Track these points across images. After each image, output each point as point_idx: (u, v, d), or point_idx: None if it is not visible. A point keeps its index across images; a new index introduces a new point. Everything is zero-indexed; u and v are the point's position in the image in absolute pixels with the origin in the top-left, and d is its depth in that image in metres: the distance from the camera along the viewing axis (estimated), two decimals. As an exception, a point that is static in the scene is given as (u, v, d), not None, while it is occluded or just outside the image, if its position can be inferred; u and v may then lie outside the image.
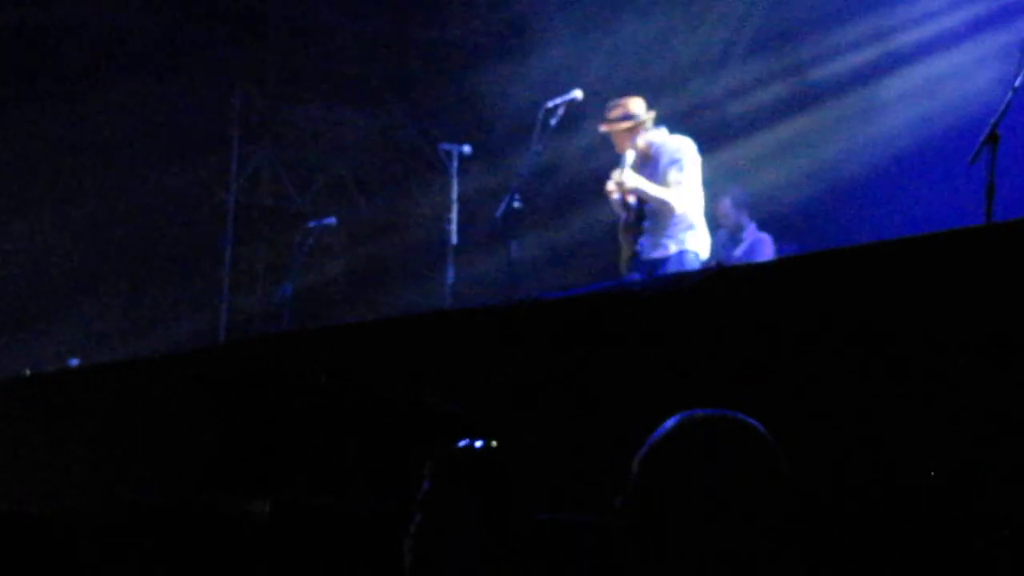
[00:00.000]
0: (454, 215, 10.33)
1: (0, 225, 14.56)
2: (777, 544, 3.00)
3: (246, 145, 14.97)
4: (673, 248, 9.33)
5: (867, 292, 4.78)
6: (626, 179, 9.36)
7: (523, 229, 10.16)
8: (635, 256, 9.44)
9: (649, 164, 9.47)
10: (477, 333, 6.29)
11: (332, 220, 12.37)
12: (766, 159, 11.70)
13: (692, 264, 9.27)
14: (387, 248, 15.18)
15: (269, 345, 8.11)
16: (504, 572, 3.59)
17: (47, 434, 8.47)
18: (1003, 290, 4.38)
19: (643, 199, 9.38)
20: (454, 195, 10.36)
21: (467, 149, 10.43)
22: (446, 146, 10.57)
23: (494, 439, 3.71)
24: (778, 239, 11.01)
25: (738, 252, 10.71)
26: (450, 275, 10.27)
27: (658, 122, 9.58)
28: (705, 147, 9.67)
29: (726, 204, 10.90)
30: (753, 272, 5.79)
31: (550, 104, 9.65)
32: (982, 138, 7.26)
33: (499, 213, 9.73)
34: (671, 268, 9.21)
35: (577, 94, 9.65)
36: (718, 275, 6.33)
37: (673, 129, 9.66)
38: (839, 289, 4.89)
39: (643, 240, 9.42)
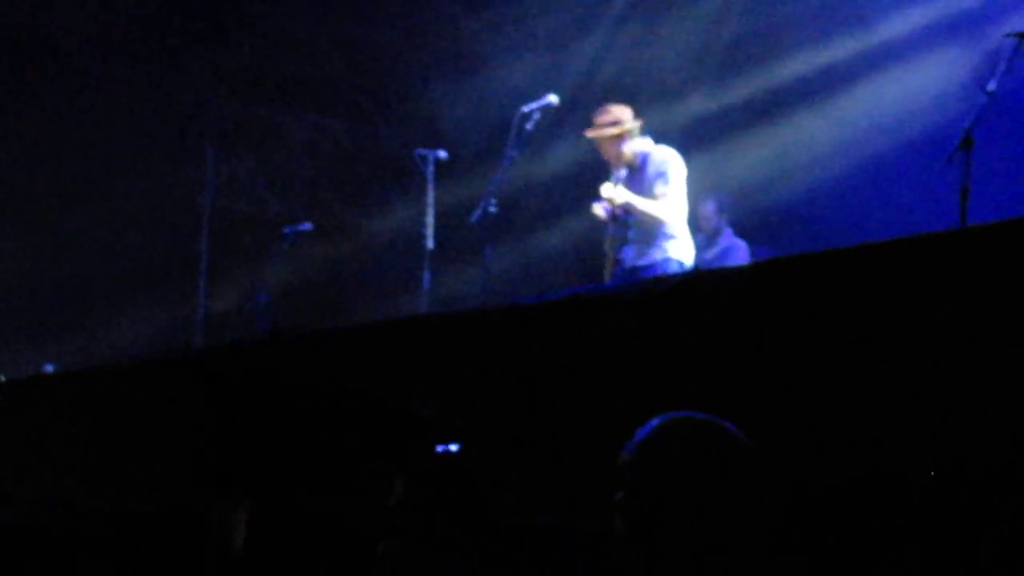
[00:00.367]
0: (430, 220, 10.33)
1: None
2: (753, 535, 3.13)
3: (222, 151, 14.94)
4: (657, 256, 9.39)
5: (842, 295, 4.80)
6: (616, 196, 9.41)
7: (502, 235, 10.18)
8: (618, 264, 9.48)
9: (635, 174, 9.51)
10: (453, 338, 6.29)
11: (308, 225, 12.36)
12: (741, 162, 11.72)
13: (675, 272, 9.29)
14: (363, 254, 15.16)
15: (245, 351, 8.09)
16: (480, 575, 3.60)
17: (22, 441, 8.44)
18: (978, 293, 4.40)
19: (629, 211, 9.43)
20: (430, 200, 10.35)
21: (443, 154, 10.43)
22: (422, 151, 10.56)
23: (471, 444, 3.72)
24: (753, 242, 11.04)
25: (708, 256, 10.72)
26: (426, 281, 10.27)
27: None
28: (681, 151, 9.70)
29: (709, 208, 10.92)
30: (729, 276, 5.80)
31: (525, 109, 9.66)
32: (957, 142, 7.29)
33: (474, 218, 9.75)
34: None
35: (552, 99, 9.67)
36: (695, 278, 6.34)
37: (651, 136, 9.69)
38: (814, 292, 4.90)
39: (627, 249, 9.48)
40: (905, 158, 10.60)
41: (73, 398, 8.38)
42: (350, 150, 15.28)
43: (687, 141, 9.66)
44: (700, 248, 10.42)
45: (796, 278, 5.07)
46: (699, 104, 11.94)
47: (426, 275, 10.27)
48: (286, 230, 12.47)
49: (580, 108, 11.97)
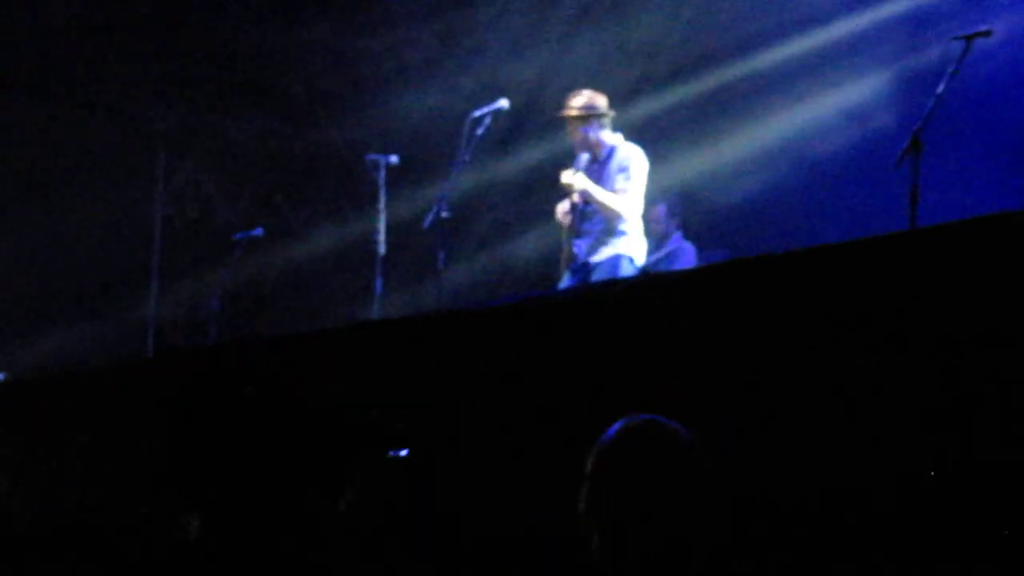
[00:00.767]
0: (382, 226, 10.30)
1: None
2: (710, 539, 3.20)
3: (172, 158, 14.88)
4: (609, 252, 9.39)
5: (792, 298, 4.82)
6: (576, 180, 9.41)
7: (458, 242, 10.17)
8: (574, 260, 9.49)
9: (598, 166, 9.52)
10: (405, 344, 6.28)
11: (259, 231, 12.31)
12: (692, 164, 11.74)
13: (626, 269, 9.35)
14: (315, 259, 15.12)
15: (197, 358, 8.07)
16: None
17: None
18: (929, 294, 4.42)
19: (588, 201, 9.43)
20: (381, 206, 10.33)
21: (394, 159, 10.41)
22: (373, 156, 10.54)
23: (421, 449, 3.71)
24: (705, 245, 11.06)
25: (656, 258, 10.71)
26: (378, 286, 10.25)
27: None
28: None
29: (660, 211, 10.91)
30: (680, 279, 5.82)
31: (476, 114, 9.66)
32: (905, 145, 7.34)
33: (427, 224, 9.75)
34: (605, 271, 9.31)
35: (503, 103, 9.67)
36: (644, 282, 6.36)
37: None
38: (766, 295, 4.92)
39: (581, 243, 9.48)
40: (856, 159, 10.64)
41: (24, 406, 8.34)
42: (301, 156, 15.24)
43: (638, 144, 9.64)
44: (649, 251, 10.44)
45: (747, 281, 5.09)
46: (649, 106, 11.95)
47: (378, 281, 10.25)
48: (237, 236, 12.41)
49: (533, 116, 12.00)
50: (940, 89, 7.42)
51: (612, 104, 9.65)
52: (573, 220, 9.52)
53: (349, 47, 13.75)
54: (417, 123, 13.33)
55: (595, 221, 9.48)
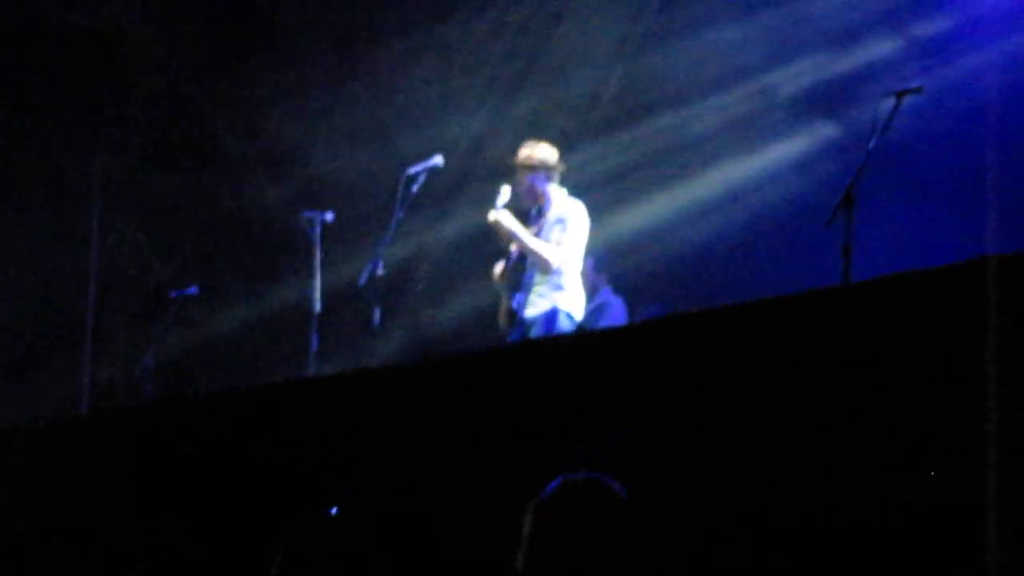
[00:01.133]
0: (317, 283, 10.28)
1: None
2: None
3: (108, 213, 14.81)
4: (545, 305, 9.36)
5: (726, 354, 4.84)
6: (501, 218, 9.40)
7: (395, 300, 10.14)
8: (514, 314, 9.46)
9: (539, 218, 9.52)
10: (340, 400, 6.26)
11: (194, 289, 12.26)
12: (627, 218, 11.76)
13: (563, 324, 9.32)
14: (251, 317, 15.05)
15: (132, 417, 8.01)
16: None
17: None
18: (860, 348, 4.45)
19: (517, 246, 9.42)
20: (317, 263, 10.31)
21: (329, 216, 10.38)
22: (309, 213, 10.52)
23: (359, 505, 3.70)
24: (641, 299, 11.08)
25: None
26: (314, 343, 10.21)
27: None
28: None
29: (587, 265, 10.90)
30: (615, 335, 5.83)
31: (411, 171, 9.66)
32: (838, 201, 7.39)
33: (362, 281, 9.72)
34: (543, 326, 9.30)
35: (438, 160, 9.68)
36: (579, 340, 6.37)
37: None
38: (700, 350, 4.94)
39: (519, 296, 9.45)
40: (791, 214, 10.69)
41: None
42: (236, 213, 15.19)
43: (574, 196, 9.66)
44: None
45: (682, 336, 5.11)
46: (585, 159, 11.97)
47: (313, 338, 10.21)
48: (172, 294, 12.35)
49: (473, 174, 12.02)
50: (871, 144, 7.49)
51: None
52: (508, 272, 9.51)
53: (285, 105, 13.75)
54: (353, 180, 13.33)
55: (530, 273, 9.46)
